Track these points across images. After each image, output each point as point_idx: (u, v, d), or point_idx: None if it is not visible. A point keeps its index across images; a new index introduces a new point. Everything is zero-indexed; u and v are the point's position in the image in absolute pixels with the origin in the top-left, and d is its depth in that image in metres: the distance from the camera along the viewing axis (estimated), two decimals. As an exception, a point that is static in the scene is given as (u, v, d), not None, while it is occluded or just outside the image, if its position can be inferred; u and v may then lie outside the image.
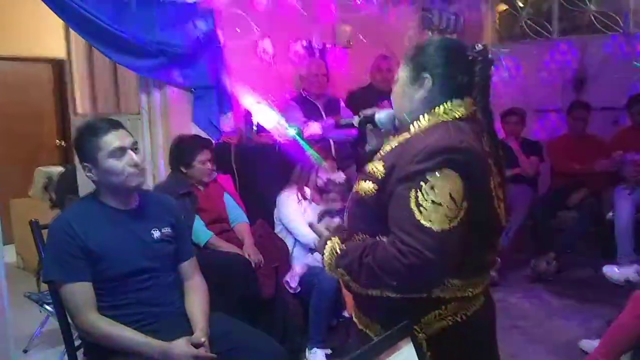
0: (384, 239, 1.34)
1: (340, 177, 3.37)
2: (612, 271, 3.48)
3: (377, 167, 1.43)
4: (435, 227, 1.26)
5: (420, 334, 1.40)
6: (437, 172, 1.28)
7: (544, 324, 3.63)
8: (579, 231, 4.48)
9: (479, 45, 1.45)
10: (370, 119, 1.69)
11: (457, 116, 1.43)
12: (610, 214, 4.33)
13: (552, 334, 3.48)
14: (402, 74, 1.51)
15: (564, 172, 4.69)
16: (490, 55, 1.45)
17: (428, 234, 1.25)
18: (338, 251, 1.45)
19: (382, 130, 1.69)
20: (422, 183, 1.29)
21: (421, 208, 1.27)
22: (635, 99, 4.54)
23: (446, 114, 1.44)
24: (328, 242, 1.49)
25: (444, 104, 1.44)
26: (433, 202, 1.27)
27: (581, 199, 4.51)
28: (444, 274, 1.35)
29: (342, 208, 3.19)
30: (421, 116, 1.45)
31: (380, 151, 1.51)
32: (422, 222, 1.26)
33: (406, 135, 1.46)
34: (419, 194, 1.28)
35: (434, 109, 1.45)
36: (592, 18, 5.56)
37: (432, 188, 1.28)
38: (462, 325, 1.43)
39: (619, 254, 4.15)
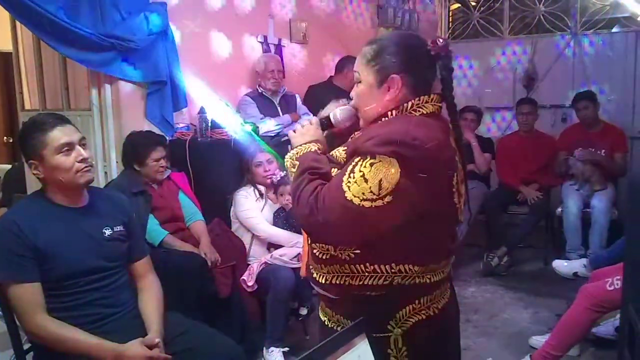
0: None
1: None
2: (560, 265, 3.58)
3: (339, 152, 1.48)
4: (348, 194, 1.32)
5: (396, 329, 1.44)
6: (384, 156, 1.32)
7: (496, 317, 3.71)
8: (529, 226, 4.60)
9: (441, 40, 1.46)
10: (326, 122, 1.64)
11: (424, 112, 1.44)
12: (559, 209, 4.46)
13: (504, 327, 3.56)
14: (367, 77, 1.48)
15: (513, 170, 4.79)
16: (450, 49, 1.46)
17: (338, 195, 1.33)
18: (312, 149, 1.51)
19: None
20: (368, 157, 1.33)
21: (352, 174, 1.33)
22: (579, 97, 4.68)
23: (414, 111, 1.44)
24: (312, 144, 1.53)
25: (411, 101, 1.44)
26: (363, 175, 1.32)
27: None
28: (331, 237, 1.42)
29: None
30: (389, 113, 1.46)
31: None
32: (343, 184, 1.33)
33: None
34: (359, 164, 1.34)
35: (402, 106, 1.44)
36: (542, 18, 5.70)
37: (371, 165, 1.32)
38: (435, 319, 1.47)
39: (567, 248, 4.29)
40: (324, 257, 1.47)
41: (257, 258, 3.24)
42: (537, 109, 4.87)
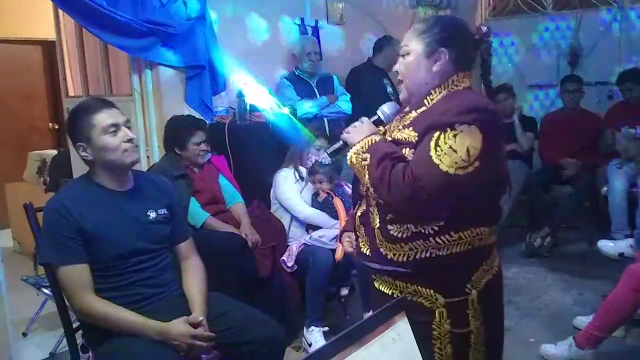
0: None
1: (326, 157, 3.34)
2: (606, 246, 3.50)
3: (408, 133, 1.54)
4: (442, 167, 1.41)
5: (473, 291, 1.57)
6: (465, 125, 1.42)
7: (538, 299, 3.66)
8: (573, 206, 4.50)
9: (485, 27, 1.64)
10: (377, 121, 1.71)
11: (464, 86, 1.59)
12: (605, 188, 4.35)
13: (547, 308, 3.51)
14: (417, 47, 1.60)
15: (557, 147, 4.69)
16: (491, 37, 1.62)
17: (433, 169, 1.42)
18: (377, 140, 1.56)
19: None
20: (448, 129, 1.43)
21: (438, 148, 1.43)
22: (624, 75, 4.53)
23: (456, 86, 1.58)
24: (373, 136, 1.58)
25: (453, 76, 1.58)
26: (450, 147, 1.42)
27: (576, 173, 4.51)
28: (433, 210, 1.49)
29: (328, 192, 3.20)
30: (432, 91, 1.58)
31: (398, 122, 1.63)
32: (433, 158, 1.42)
33: (423, 108, 1.58)
34: (442, 136, 1.43)
35: (445, 82, 1.58)
36: (587, -8, 5.52)
37: (454, 136, 1.42)
38: (497, 278, 1.65)
39: (613, 228, 4.18)
40: (404, 235, 1.53)
41: (296, 239, 3.27)
42: (583, 86, 4.74)
